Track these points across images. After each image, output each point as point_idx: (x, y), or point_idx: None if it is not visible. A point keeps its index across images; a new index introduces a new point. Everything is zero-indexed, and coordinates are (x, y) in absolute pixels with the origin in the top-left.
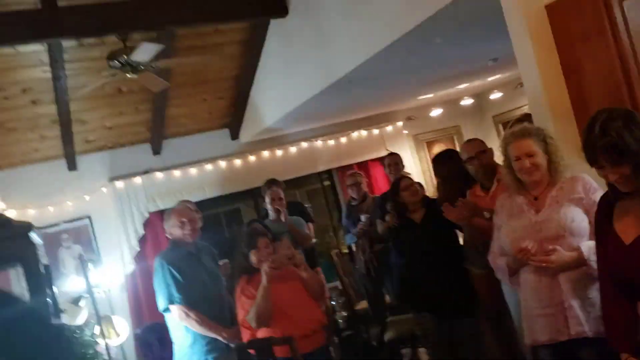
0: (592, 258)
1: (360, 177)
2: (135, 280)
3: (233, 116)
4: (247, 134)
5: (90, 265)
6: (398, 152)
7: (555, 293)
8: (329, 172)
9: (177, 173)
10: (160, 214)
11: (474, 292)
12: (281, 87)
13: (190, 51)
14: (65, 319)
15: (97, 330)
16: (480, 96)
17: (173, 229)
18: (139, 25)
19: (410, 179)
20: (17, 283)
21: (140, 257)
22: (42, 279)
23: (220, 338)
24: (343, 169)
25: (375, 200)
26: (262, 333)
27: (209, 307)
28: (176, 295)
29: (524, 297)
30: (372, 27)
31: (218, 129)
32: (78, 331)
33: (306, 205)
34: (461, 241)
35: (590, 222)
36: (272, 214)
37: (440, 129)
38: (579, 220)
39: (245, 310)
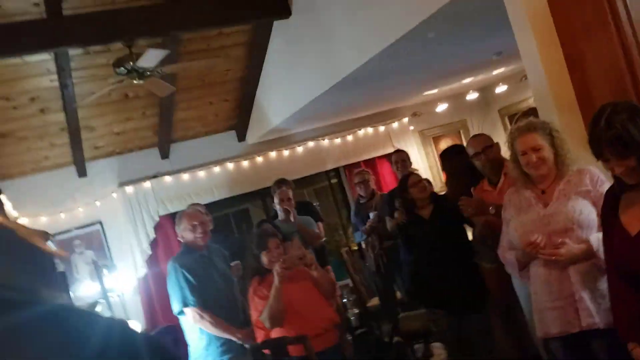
0: (601, 250)
1: (368, 174)
2: (148, 283)
3: (239, 118)
4: (253, 135)
5: (104, 271)
6: (405, 148)
7: (566, 285)
8: (336, 171)
9: (185, 176)
10: (170, 217)
11: (484, 287)
12: (286, 87)
13: (195, 55)
14: None
15: None
16: (485, 90)
17: (185, 233)
18: (144, 31)
19: (418, 175)
20: None
21: (152, 260)
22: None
23: (234, 339)
24: (350, 167)
25: (383, 198)
26: (275, 333)
27: (223, 309)
28: (190, 297)
29: (534, 290)
30: (376, 25)
31: (225, 131)
32: None
33: (314, 204)
34: (470, 236)
35: (598, 214)
36: (281, 214)
37: (446, 124)
38: (587, 212)
39: (259, 310)
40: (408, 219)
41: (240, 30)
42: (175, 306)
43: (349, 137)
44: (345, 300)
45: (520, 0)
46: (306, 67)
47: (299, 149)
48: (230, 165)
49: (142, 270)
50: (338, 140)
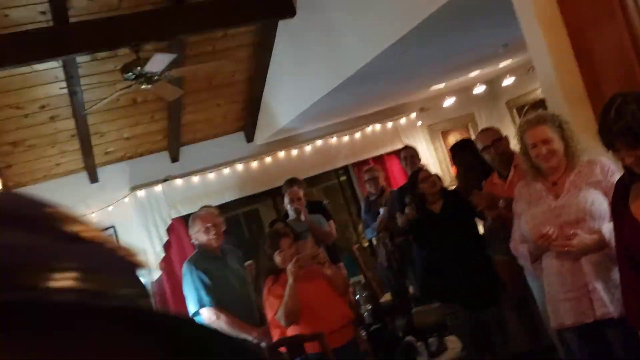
0: (614, 240)
1: (377, 171)
2: (162, 285)
3: (247, 119)
4: (262, 135)
5: None
6: (413, 144)
7: (579, 276)
8: (345, 168)
9: (195, 179)
10: (182, 220)
11: (497, 279)
12: (293, 87)
13: (201, 57)
14: None
15: None
16: (492, 83)
17: (198, 235)
18: (150, 36)
19: (427, 170)
20: None
21: (165, 263)
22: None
23: (251, 338)
24: (359, 164)
25: (392, 194)
26: (291, 331)
27: (238, 308)
28: (206, 298)
29: (548, 282)
30: (382, 21)
31: (233, 133)
32: None
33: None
34: (481, 229)
35: (610, 205)
36: (291, 214)
37: (454, 118)
38: (599, 203)
39: (274, 309)
40: (419, 214)
41: (245, 32)
42: (192, 307)
43: (357, 135)
44: (357, 296)
45: None
46: (312, 66)
47: (308, 148)
48: (239, 167)
49: (157, 273)
50: (346, 138)
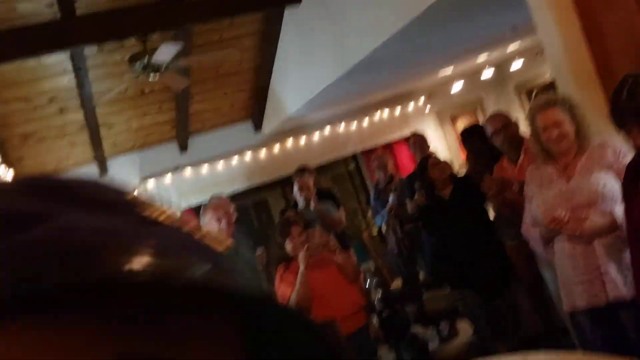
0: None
1: (386, 158)
2: None
3: (255, 108)
4: (269, 124)
5: None
6: (422, 130)
7: (591, 259)
8: (353, 156)
9: (205, 168)
10: (192, 210)
11: (508, 263)
12: (300, 75)
13: (207, 47)
14: None
15: None
16: (501, 66)
17: (210, 224)
18: (156, 26)
19: (437, 156)
20: None
21: None
22: None
23: None
24: (368, 152)
25: (402, 181)
26: None
27: None
28: None
29: (560, 265)
30: (389, 6)
31: (241, 122)
32: None
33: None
34: (492, 214)
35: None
36: (301, 203)
37: (462, 103)
38: (610, 185)
39: (286, 297)
40: (428, 200)
41: (251, 20)
42: None
43: (365, 122)
44: (368, 283)
45: None
46: (319, 53)
47: (316, 137)
48: (248, 156)
49: None
50: (354, 126)
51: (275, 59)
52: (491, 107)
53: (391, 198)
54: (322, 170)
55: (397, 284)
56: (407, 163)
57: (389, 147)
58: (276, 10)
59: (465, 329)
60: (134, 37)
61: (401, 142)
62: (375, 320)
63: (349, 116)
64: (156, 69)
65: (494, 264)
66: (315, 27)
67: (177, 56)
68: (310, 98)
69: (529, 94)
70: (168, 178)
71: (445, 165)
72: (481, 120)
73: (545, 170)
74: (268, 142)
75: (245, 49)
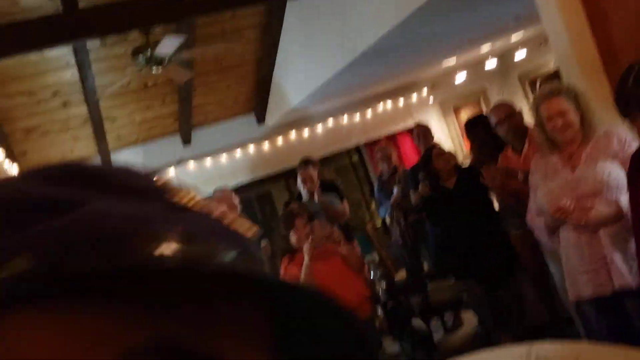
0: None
1: (390, 150)
2: None
3: (258, 100)
4: (273, 116)
5: None
6: (425, 121)
7: (596, 248)
8: (356, 148)
9: (208, 161)
10: None
11: (513, 253)
12: (303, 66)
13: (210, 39)
14: None
15: None
16: (504, 56)
17: None
18: (159, 19)
19: (441, 147)
20: None
21: None
22: None
23: None
24: (371, 143)
25: (406, 173)
26: None
27: None
28: None
29: (565, 254)
30: None
31: (244, 114)
32: None
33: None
34: (496, 205)
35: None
36: (304, 195)
37: (466, 94)
38: (616, 174)
39: None
40: (432, 191)
41: (253, 12)
42: None
43: (368, 114)
44: (372, 274)
45: None
46: (322, 44)
47: (319, 129)
48: (251, 148)
49: None
50: (358, 117)
51: (278, 51)
52: (495, 98)
53: (395, 189)
54: (325, 162)
55: (401, 275)
56: (410, 154)
57: (392, 138)
58: (278, 2)
59: (469, 320)
60: (136, 30)
61: (405, 134)
62: (380, 311)
63: (352, 108)
64: (159, 61)
65: (498, 254)
66: (318, 19)
67: (180, 49)
68: (313, 90)
69: (532, 83)
70: (171, 171)
71: (450, 156)
72: (485, 110)
73: (550, 160)
74: (271, 135)
75: (248, 41)
